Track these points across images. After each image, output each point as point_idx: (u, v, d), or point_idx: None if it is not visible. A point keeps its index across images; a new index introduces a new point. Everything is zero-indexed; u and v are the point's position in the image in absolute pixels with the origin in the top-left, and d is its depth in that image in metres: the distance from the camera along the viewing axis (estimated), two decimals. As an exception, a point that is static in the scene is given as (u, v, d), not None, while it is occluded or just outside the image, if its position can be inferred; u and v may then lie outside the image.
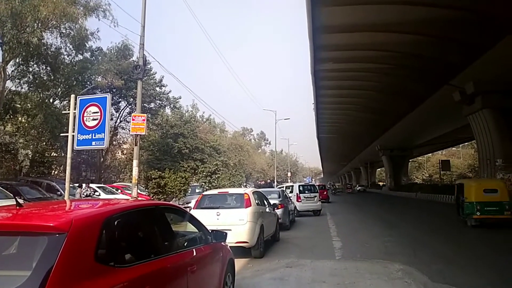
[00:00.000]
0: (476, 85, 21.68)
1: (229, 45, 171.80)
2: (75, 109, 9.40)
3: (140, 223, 3.24)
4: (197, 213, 7.84)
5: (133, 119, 12.22)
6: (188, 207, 13.59)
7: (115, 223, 2.78)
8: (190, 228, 4.46)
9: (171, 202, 12.76)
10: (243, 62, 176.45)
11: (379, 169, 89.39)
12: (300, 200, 18.35)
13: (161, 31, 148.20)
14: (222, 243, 4.76)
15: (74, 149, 9.67)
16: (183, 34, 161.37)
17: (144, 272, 2.77)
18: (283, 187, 21.35)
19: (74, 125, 9.39)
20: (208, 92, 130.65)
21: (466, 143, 59.72)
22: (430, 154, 75.03)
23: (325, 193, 29.93)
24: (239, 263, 7.32)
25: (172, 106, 32.08)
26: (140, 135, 12.63)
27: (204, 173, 18.23)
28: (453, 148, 71.57)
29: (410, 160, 63.22)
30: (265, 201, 10.01)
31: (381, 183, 71.49)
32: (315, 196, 18.98)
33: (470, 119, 24.29)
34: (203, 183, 17.79)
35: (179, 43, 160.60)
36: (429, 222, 15.80)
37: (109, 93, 11.04)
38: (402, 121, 34.78)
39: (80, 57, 23.12)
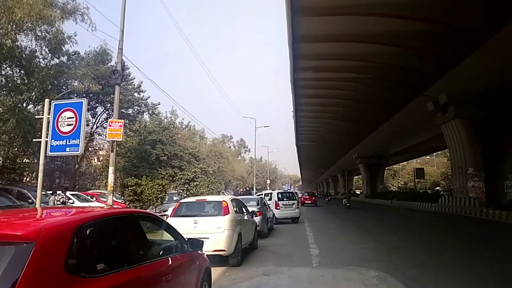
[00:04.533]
0: (448, 95, 22.46)
1: (209, 52, 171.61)
2: (49, 114, 9.14)
3: (113, 232, 3.17)
4: (174, 221, 7.74)
5: (109, 125, 11.99)
6: (165, 215, 13.36)
7: (87, 231, 2.70)
8: (166, 236, 4.39)
9: (147, 210, 12.54)
10: (224, 70, 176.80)
11: (356, 177, 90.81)
12: (278, 207, 18.39)
13: (141, 36, 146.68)
14: (199, 251, 4.70)
15: (48, 155, 9.39)
16: (163, 40, 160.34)
17: (116, 282, 2.69)
18: (262, 194, 21.41)
19: (47, 130, 9.11)
20: (188, 99, 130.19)
21: (439, 152, 61.59)
22: (405, 162, 76.73)
23: (313, 198, 38.78)
24: (216, 271, 7.25)
25: (150, 112, 31.70)
26: (116, 141, 12.39)
27: (182, 181, 17.99)
28: (427, 157, 73.51)
29: (386, 168, 64.53)
30: (243, 209, 9.98)
31: (358, 191, 72.56)
32: (294, 204, 19.05)
33: (443, 128, 25.09)
34: (181, 191, 17.54)
35: (159, 49, 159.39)
36: (403, 228, 16.12)
37: (85, 98, 10.79)
38: (379, 130, 35.55)
39: (56, 61, 22.52)
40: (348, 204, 29.59)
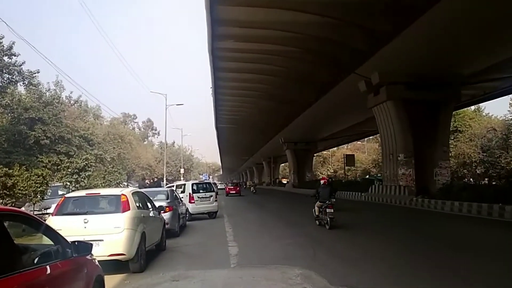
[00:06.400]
0: (381, 75, 24.24)
1: (113, 19, 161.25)
2: None
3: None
4: (57, 221, 7.35)
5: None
6: (47, 213, 12.54)
7: None
8: (45, 240, 4.13)
9: (22, 209, 11.60)
10: (134, 43, 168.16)
11: (283, 164, 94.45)
12: (193, 201, 18.38)
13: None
14: (88, 256, 4.49)
15: None
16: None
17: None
18: (173, 186, 21.15)
19: None
20: (79, 69, 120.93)
21: (371, 137, 66.67)
22: (335, 148, 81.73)
23: (237, 189, 45.25)
24: (113, 280, 7.06)
25: (27, 82, 28.98)
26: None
27: (70, 170, 16.89)
28: (359, 142, 79.23)
29: (315, 155, 68.13)
30: (148, 204, 9.83)
31: (284, 180, 75.55)
32: (211, 196, 19.18)
33: (374, 111, 27.12)
34: (68, 183, 16.50)
35: (43, 7, 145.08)
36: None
37: None
38: (308, 111, 37.19)
39: None
40: (254, 191, 49.20)
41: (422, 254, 9.02)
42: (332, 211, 12.94)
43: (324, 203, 13.43)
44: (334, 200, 13.60)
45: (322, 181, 14.92)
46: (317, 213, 13.98)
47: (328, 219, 12.94)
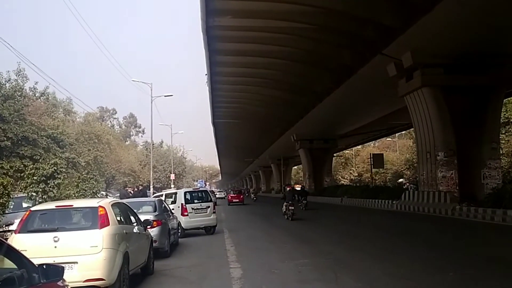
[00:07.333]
0: (414, 55, 24.02)
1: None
2: None
3: None
4: (22, 240, 7.45)
5: None
6: (9, 230, 12.58)
7: None
8: (7, 264, 4.15)
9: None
10: (112, 22, 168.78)
11: (295, 167, 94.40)
12: (186, 213, 18.41)
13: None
14: (59, 282, 4.51)
15: None
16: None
17: None
18: (161, 195, 21.15)
19: None
20: (46, 55, 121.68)
21: (403, 132, 66.29)
22: (359, 147, 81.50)
23: (241, 196, 49.96)
24: (89, 311, 7.07)
25: (-19, 71, 29.28)
26: None
27: (36, 178, 16.95)
28: (388, 139, 78.90)
29: (335, 155, 67.93)
30: (132, 218, 9.85)
31: (298, 187, 75.22)
32: (208, 207, 19.19)
33: (407, 100, 26.99)
34: (34, 193, 16.57)
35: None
36: (353, 235, 17.18)
37: None
38: (325, 102, 37.04)
39: None
40: (255, 198, 58.46)
41: None
42: (293, 208, 23.44)
43: (288, 203, 23.43)
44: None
45: (287, 188, 29.74)
46: (284, 210, 23.91)
47: (290, 213, 23.25)
